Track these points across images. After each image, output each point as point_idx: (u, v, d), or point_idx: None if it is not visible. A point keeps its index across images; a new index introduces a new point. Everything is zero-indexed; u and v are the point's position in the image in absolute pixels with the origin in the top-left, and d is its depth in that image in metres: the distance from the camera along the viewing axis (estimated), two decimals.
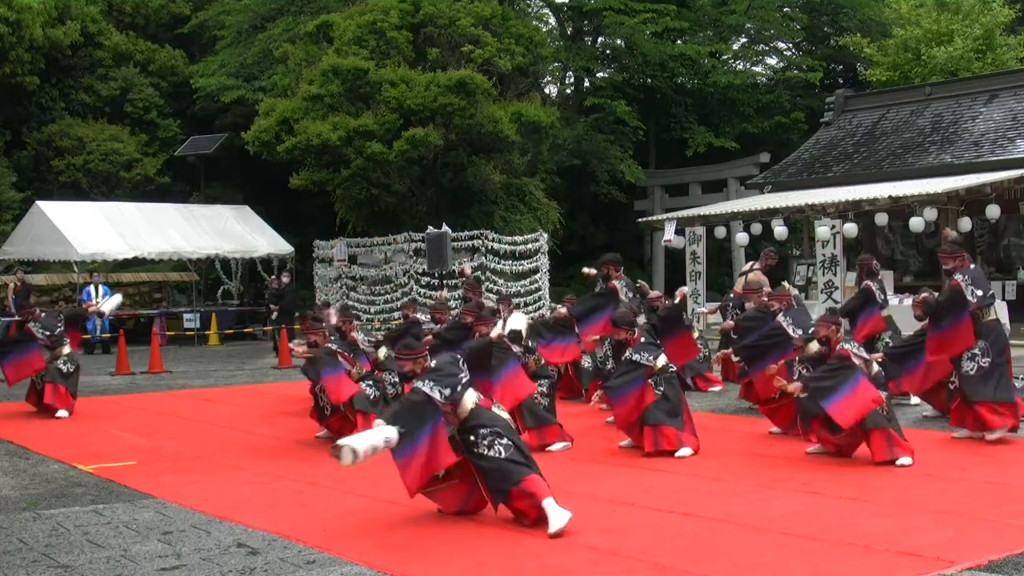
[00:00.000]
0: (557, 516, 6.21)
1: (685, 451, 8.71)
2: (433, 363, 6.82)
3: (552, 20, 34.20)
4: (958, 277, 9.09)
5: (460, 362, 6.86)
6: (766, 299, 10.74)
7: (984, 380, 8.95)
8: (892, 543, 5.75)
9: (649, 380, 8.78)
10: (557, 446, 9.15)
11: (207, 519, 6.74)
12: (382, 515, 6.81)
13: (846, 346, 8.40)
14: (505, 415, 6.97)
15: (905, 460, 7.94)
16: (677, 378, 9.19)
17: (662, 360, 8.95)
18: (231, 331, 24.51)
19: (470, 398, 6.69)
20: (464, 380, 6.71)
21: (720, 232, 22.77)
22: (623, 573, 5.41)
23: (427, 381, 6.59)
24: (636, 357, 8.82)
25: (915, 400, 10.77)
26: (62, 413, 11.98)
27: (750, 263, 15.75)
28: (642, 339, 9.03)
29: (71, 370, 12.23)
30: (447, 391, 6.56)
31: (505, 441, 6.55)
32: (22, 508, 7.22)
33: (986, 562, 5.38)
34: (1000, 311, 17.86)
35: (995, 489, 7.19)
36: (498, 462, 6.48)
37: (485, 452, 6.53)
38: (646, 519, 6.54)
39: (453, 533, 6.31)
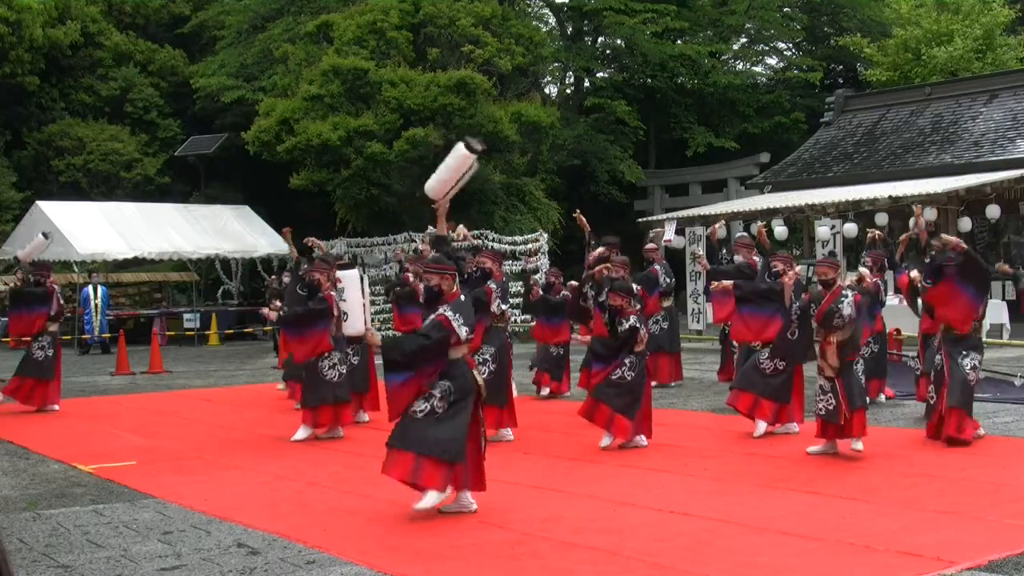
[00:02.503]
0: (425, 503, 6.48)
1: (606, 440, 8.97)
2: (461, 298, 6.72)
3: (552, 20, 34.20)
4: None
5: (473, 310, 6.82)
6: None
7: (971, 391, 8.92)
8: (892, 543, 5.75)
9: (624, 359, 8.95)
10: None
11: (207, 519, 6.74)
12: (382, 515, 6.80)
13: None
14: (479, 379, 6.86)
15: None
16: (645, 366, 9.24)
17: (643, 344, 9.10)
18: (231, 331, 24.52)
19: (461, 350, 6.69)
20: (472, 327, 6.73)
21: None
22: (623, 573, 5.41)
23: (456, 315, 6.55)
24: (638, 325, 8.93)
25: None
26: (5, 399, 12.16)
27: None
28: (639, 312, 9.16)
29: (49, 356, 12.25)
30: (471, 334, 6.61)
31: (438, 402, 6.52)
32: (22, 508, 7.22)
33: (986, 562, 5.38)
34: (1000, 311, 17.98)
35: (995, 489, 7.19)
36: (423, 420, 6.49)
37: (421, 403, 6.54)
38: (646, 519, 6.54)
39: (453, 533, 6.31)
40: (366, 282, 7.10)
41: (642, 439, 9.06)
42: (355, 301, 6.76)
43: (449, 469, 6.50)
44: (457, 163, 6.92)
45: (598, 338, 9.41)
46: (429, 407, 6.51)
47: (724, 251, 12.66)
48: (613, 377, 8.93)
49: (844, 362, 8.34)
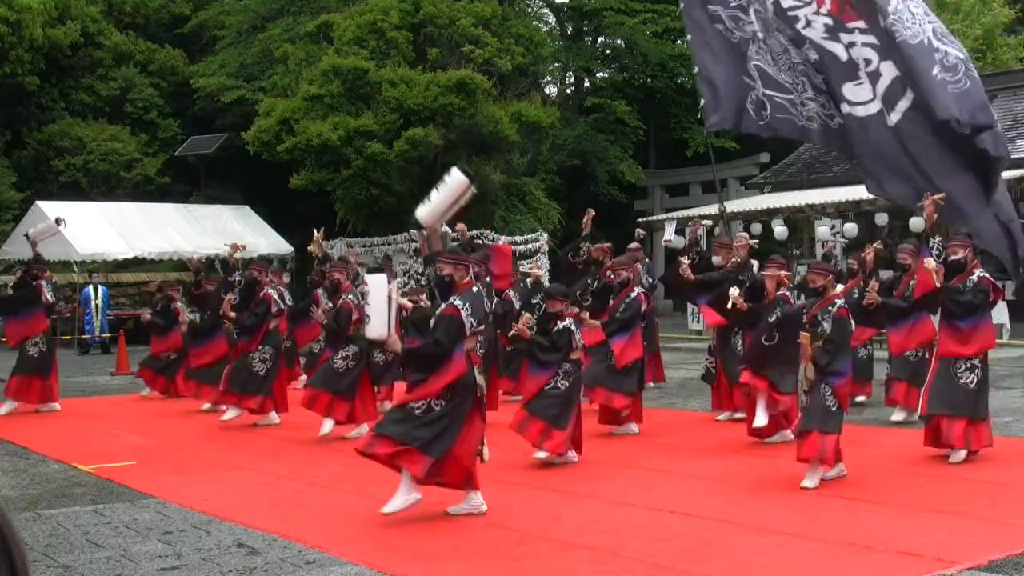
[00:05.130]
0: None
1: (541, 453, 8.34)
2: (474, 289, 6.71)
3: (552, 20, 34.20)
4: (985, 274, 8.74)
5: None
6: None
7: (981, 396, 8.54)
8: (892, 543, 5.75)
9: (558, 368, 8.38)
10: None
11: (207, 519, 6.74)
12: (382, 515, 6.80)
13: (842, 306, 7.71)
14: (479, 377, 6.80)
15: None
16: (580, 376, 8.69)
17: (579, 352, 8.60)
18: None
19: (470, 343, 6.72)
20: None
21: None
22: (623, 573, 5.41)
23: (465, 304, 6.54)
24: (573, 329, 8.45)
25: (896, 416, 10.63)
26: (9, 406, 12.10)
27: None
28: (583, 316, 9.03)
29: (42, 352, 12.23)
30: (478, 325, 6.65)
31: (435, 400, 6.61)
32: (22, 508, 7.21)
33: (986, 562, 5.38)
34: (1000, 311, 17.97)
35: (995, 489, 7.19)
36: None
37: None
38: (646, 519, 6.54)
39: (453, 533, 6.31)
40: (395, 287, 7.03)
41: (573, 455, 8.45)
42: (379, 304, 6.71)
43: (430, 463, 6.47)
44: (453, 190, 6.93)
45: (536, 341, 8.59)
46: (426, 405, 6.52)
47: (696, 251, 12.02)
48: (547, 388, 8.35)
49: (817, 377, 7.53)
